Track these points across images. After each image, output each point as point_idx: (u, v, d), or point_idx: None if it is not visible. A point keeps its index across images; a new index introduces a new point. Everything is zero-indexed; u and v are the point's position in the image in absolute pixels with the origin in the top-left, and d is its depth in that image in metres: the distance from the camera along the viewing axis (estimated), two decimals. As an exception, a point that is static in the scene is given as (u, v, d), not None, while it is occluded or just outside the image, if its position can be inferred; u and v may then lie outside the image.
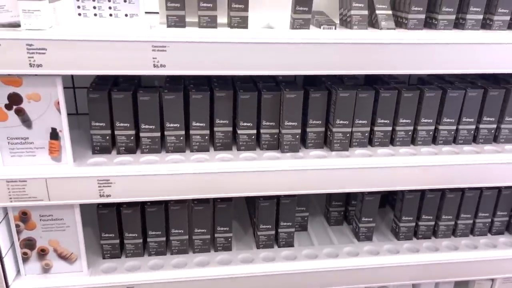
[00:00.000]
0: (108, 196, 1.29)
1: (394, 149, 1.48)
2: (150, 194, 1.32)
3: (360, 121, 1.44)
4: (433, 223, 1.62)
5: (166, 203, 1.43)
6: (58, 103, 1.21)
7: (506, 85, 1.49)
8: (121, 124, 1.34)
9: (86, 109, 1.32)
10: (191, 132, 1.38)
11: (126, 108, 1.33)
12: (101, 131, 1.35)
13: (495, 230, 1.67)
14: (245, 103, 1.38)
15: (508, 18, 1.36)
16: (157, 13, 1.47)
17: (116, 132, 1.35)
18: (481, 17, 1.35)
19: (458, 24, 1.38)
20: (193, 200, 1.44)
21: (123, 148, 1.37)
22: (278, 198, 1.50)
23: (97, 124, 1.34)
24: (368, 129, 1.46)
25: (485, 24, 1.38)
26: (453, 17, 1.34)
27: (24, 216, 1.31)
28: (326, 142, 1.48)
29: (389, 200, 1.88)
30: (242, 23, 1.27)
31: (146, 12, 1.27)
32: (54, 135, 1.25)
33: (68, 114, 1.25)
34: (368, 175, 1.40)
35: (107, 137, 1.36)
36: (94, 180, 1.27)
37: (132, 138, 1.36)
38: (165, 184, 1.31)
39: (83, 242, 1.37)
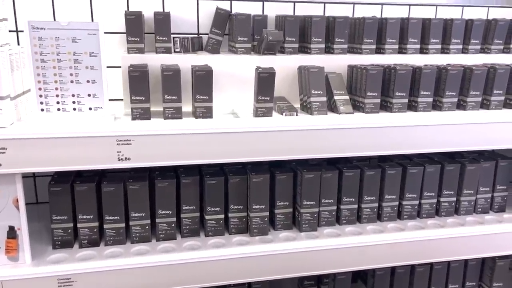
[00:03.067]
0: (69, 294, 1.22)
1: (361, 226, 1.49)
2: (115, 290, 1.26)
3: (327, 200, 1.45)
4: (405, 298, 1.62)
5: (131, 296, 1.36)
6: (17, 200, 1.16)
7: (461, 160, 1.57)
8: (84, 217, 1.30)
9: (47, 197, 1.28)
10: (157, 220, 1.35)
11: (89, 200, 1.29)
12: (63, 225, 1.30)
13: (466, 301, 1.69)
14: (212, 188, 1.38)
15: (455, 99, 1.46)
16: (122, 99, 1.48)
17: (78, 225, 1.30)
18: (431, 99, 1.44)
19: (411, 106, 1.46)
20: (161, 291, 1.37)
21: (86, 241, 1.31)
22: (249, 283, 1.46)
23: (58, 217, 1.29)
24: (335, 207, 1.47)
25: (436, 106, 1.48)
26: (406, 100, 1.42)
27: (-26, 323, 1.21)
28: (294, 222, 1.48)
29: (360, 275, 1.86)
30: (207, 113, 1.30)
31: (110, 100, 1.28)
32: (12, 233, 1.19)
33: (27, 204, 1.20)
34: (338, 256, 1.39)
35: (69, 231, 1.30)
36: (54, 280, 1.20)
37: (95, 230, 1.32)
38: (130, 279, 1.26)
39: None
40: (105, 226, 1.32)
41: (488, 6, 1.85)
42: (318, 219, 1.46)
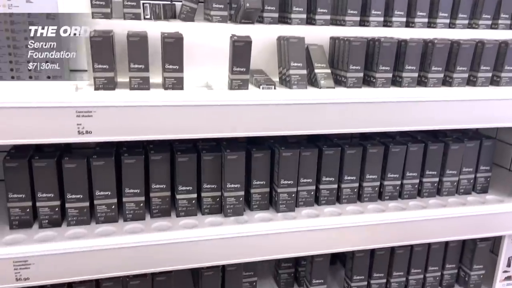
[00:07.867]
0: (26, 279, 1.13)
1: (341, 207, 1.43)
2: (79, 274, 1.18)
3: (305, 180, 1.39)
4: (384, 280, 1.57)
5: (97, 280, 1.28)
6: (-34, 176, 1.06)
7: (444, 139, 1.52)
8: (44, 195, 1.20)
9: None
10: (124, 199, 1.27)
11: (49, 177, 1.20)
12: (20, 203, 1.20)
13: (445, 283, 1.65)
14: (183, 166, 1.29)
15: (441, 75, 1.39)
16: (86, 71, 1.37)
17: (38, 204, 1.21)
18: (416, 75, 1.37)
19: (396, 81, 1.39)
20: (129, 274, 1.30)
21: (46, 221, 1.22)
22: (223, 265, 1.39)
23: (15, 195, 1.19)
24: (314, 187, 1.41)
25: (421, 81, 1.41)
26: (390, 75, 1.35)
27: None
28: (271, 202, 1.41)
29: (339, 256, 1.82)
30: (177, 84, 1.20)
31: (73, 70, 1.18)
32: (-39, 213, 1.09)
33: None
34: (316, 237, 1.33)
35: (27, 210, 1.21)
36: (9, 263, 1.11)
37: (56, 209, 1.22)
38: (96, 261, 1.17)
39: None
40: (67, 205, 1.22)
41: (477, -20, 1.77)
42: (296, 199, 1.39)
